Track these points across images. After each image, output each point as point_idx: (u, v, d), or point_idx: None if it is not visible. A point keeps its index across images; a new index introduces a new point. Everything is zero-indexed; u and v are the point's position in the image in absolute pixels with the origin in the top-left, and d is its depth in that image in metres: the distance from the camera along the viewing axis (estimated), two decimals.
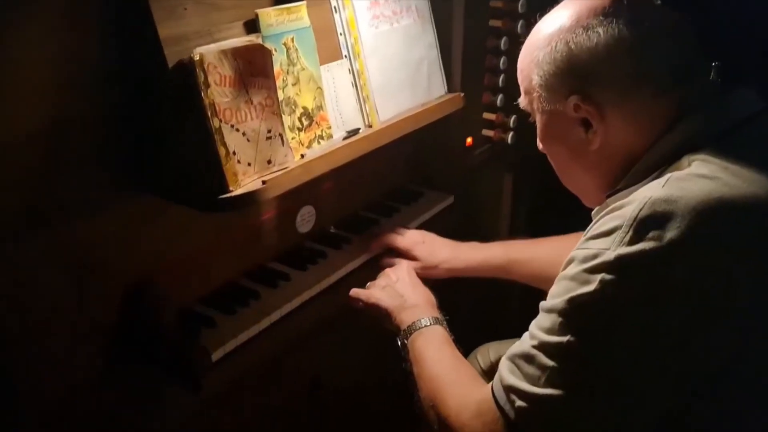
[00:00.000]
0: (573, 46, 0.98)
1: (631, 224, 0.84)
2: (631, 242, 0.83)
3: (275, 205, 1.44)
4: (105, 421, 1.18)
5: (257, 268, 1.44)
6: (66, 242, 1.10)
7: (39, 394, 1.11)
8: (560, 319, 0.88)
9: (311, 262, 1.46)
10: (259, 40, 1.20)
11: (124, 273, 1.19)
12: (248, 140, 1.17)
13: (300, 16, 1.27)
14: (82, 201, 1.11)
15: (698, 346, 0.84)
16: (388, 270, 1.41)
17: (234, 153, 1.15)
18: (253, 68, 1.17)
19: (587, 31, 0.96)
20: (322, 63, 1.33)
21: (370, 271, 1.47)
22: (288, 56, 1.26)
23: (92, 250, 1.14)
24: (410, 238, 1.52)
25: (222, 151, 1.13)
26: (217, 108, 1.12)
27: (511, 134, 1.88)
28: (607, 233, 0.86)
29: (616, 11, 0.96)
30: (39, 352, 1.09)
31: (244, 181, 1.16)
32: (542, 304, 0.93)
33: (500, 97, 1.84)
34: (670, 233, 0.82)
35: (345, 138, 1.36)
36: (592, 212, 1.06)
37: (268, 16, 1.22)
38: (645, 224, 0.83)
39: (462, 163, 1.94)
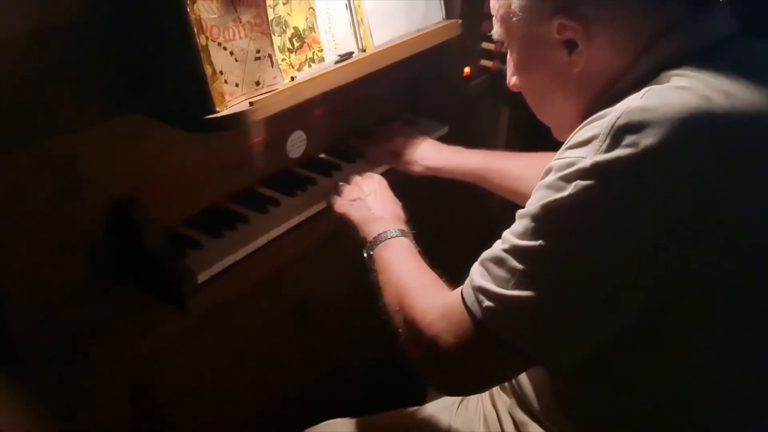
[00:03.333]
0: None
1: (608, 132, 0.83)
2: (608, 150, 0.82)
3: (265, 129, 1.42)
4: (90, 334, 1.18)
5: (246, 192, 1.43)
6: (50, 154, 1.08)
7: (25, 303, 1.11)
8: (532, 224, 0.88)
9: (301, 188, 1.45)
10: None
11: (109, 189, 1.18)
12: (236, 60, 1.14)
13: None
14: (67, 113, 1.09)
15: (670, 256, 0.84)
16: (358, 179, 1.42)
17: (221, 72, 1.12)
18: None
19: None
20: None
21: None
22: None
23: (77, 163, 1.12)
24: (397, 136, 1.56)
25: (209, 70, 1.10)
26: (204, 24, 1.09)
27: None
28: (584, 143, 0.86)
29: None
30: (24, 263, 1.09)
31: (232, 102, 1.14)
32: (518, 211, 0.93)
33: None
34: (646, 140, 0.80)
35: (337, 62, 1.33)
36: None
37: None
38: (621, 132, 0.82)
39: (458, 93, 1.91)
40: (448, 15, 1.61)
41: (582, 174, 0.84)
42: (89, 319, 1.18)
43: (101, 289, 1.20)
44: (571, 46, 0.97)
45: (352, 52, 1.36)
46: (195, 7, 1.07)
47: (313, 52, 1.30)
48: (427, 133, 1.72)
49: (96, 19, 1.08)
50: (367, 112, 1.70)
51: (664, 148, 0.80)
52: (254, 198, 1.42)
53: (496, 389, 1.28)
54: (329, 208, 1.39)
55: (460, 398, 1.35)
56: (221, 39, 1.12)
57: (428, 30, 1.49)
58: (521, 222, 0.91)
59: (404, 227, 1.27)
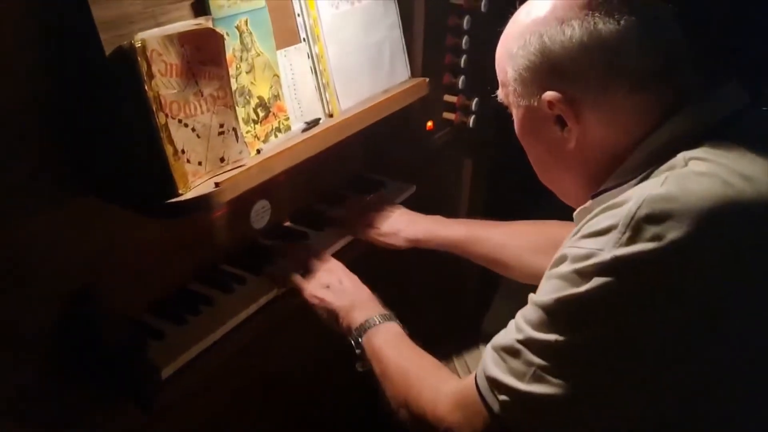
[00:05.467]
0: (547, 40, 0.91)
1: (628, 223, 0.79)
2: (629, 242, 0.78)
3: (228, 202, 1.32)
4: None
5: (209, 270, 1.33)
6: None
7: None
8: (548, 318, 0.84)
9: (268, 263, 1.36)
10: (210, 24, 1.07)
11: (62, 279, 1.07)
12: (198, 136, 1.06)
13: None
14: (15, 200, 0.99)
15: (696, 353, 0.80)
16: (319, 263, 1.34)
17: (183, 151, 1.03)
18: (203, 55, 1.05)
19: (562, 24, 0.90)
20: (278, 47, 1.21)
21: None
22: (241, 41, 1.14)
23: (27, 253, 1.02)
24: (370, 209, 1.51)
25: (169, 150, 1.01)
26: (163, 101, 1.00)
27: (473, 117, 1.80)
28: (601, 232, 0.82)
29: (593, 3, 0.89)
30: None
31: (195, 183, 1.05)
32: (531, 296, 0.90)
33: (462, 78, 1.75)
34: (671, 233, 0.77)
35: (304, 130, 1.25)
36: (574, 213, 1.00)
37: None
38: (643, 223, 0.78)
39: (422, 148, 1.86)
40: (413, 71, 1.56)
41: (601, 268, 0.79)
42: (43, 420, 1.06)
43: (56, 387, 1.08)
44: (562, 122, 0.94)
45: (319, 119, 1.29)
46: (153, 83, 0.98)
47: (279, 122, 1.22)
48: (394, 194, 1.66)
49: (45, 96, 0.99)
50: (332, 173, 1.63)
51: (690, 240, 0.76)
52: (218, 276, 1.32)
53: None
54: (301, 292, 1.30)
55: None
56: (182, 115, 1.03)
57: (396, 91, 1.43)
58: (535, 312, 0.86)
59: (387, 311, 1.22)
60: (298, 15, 1.26)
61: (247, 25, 1.14)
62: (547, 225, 1.39)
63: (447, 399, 0.96)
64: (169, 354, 1.13)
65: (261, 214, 1.43)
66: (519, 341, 0.87)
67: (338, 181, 1.64)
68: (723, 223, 0.78)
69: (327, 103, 1.32)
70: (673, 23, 0.93)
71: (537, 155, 1.04)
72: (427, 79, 1.55)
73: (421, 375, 1.04)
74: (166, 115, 1.00)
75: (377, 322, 1.18)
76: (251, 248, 1.41)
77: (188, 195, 1.01)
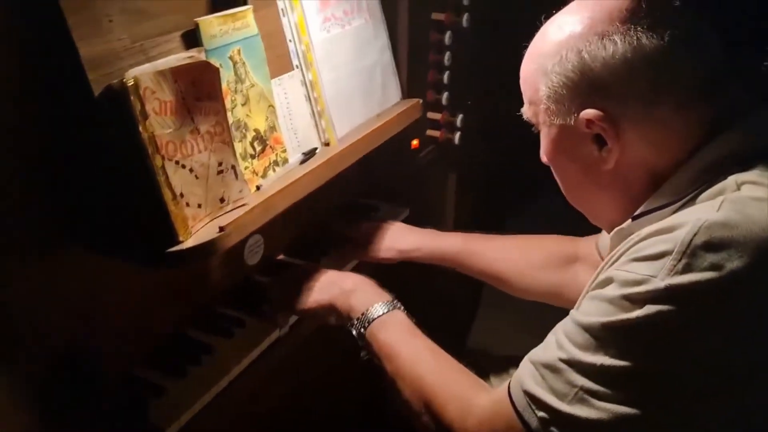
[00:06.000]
0: (586, 56, 0.86)
1: (684, 250, 0.75)
2: (684, 270, 0.75)
3: None
4: None
5: (206, 315, 1.24)
6: None
7: None
8: (594, 340, 0.81)
9: (265, 301, 1.28)
10: (202, 56, 1.00)
11: (50, 337, 0.98)
12: (197, 177, 0.98)
13: (247, 23, 1.08)
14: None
15: (752, 387, 0.77)
16: (309, 277, 1.26)
17: (181, 195, 0.95)
18: (198, 90, 0.97)
19: (602, 39, 0.85)
20: (271, 76, 1.14)
21: None
22: (235, 72, 1.06)
23: (13, 310, 0.93)
24: (365, 227, 1.46)
25: (167, 195, 0.93)
26: (159, 142, 0.92)
27: (458, 134, 1.76)
28: (654, 257, 0.78)
29: (635, 17, 0.85)
30: None
31: (196, 227, 0.97)
32: (573, 314, 0.86)
33: (445, 95, 1.71)
34: (731, 263, 0.73)
35: (302, 161, 1.18)
36: (611, 234, 0.96)
37: (211, 25, 1.02)
38: (701, 251, 0.74)
39: (409, 168, 1.81)
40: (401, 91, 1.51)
41: (654, 296, 0.76)
42: None
43: None
44: (600, 141, 0.89)
45: (316, 148, 1.22)
46: (147, 123, 0.90)
47: (277, 154, 1.15)
48: (389, 217, 1.60)
49: (30, 142, 0.91)
50: (324, 201, 1.55)
51: (751, 271, 0.73)
52: (216, 320, 1.23)
53: None
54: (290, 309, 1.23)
55: None
56: (179, 156, 0.95)
57: (392, 115, 1.38)
58: (581, 333, 0.83)
59: (389, 296, 1.15)
60: (290, 41, 1.19)
61: (240, 54, 1.07)
62: (545, 240, 1.36)
63: (479, 412, 0.92)
64: (172, 412, 1.04)
65: (254, 249, 1.35)
66: (562, 360, 0.83)
67: (331, 209, 1.57)
68: None
69: (323, 131, 1.25)
70: (714, 39, 0.89)
71: (569, 176, 0.99)
72: (420, 100, 1.50)
73: (443, 382, 0.99)
74: (163, 157, 0.93)
75: (381, 312, 1.10)
76: (247, 287, 1.33)
77: (190, 242, 0.94)
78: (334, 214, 1.58)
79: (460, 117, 1.72)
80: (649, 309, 0.76)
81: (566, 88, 0.89)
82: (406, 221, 1.62)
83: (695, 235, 0.75)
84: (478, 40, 1.79)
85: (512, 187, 2.85)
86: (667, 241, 0.77)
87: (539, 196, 2.78)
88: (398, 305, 1.14)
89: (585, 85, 0.87)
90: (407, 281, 1.59)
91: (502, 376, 1.38)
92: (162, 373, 1.11)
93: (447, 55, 1.65)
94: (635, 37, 0.84)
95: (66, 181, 0.94)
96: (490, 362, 2.05)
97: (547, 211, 2.73)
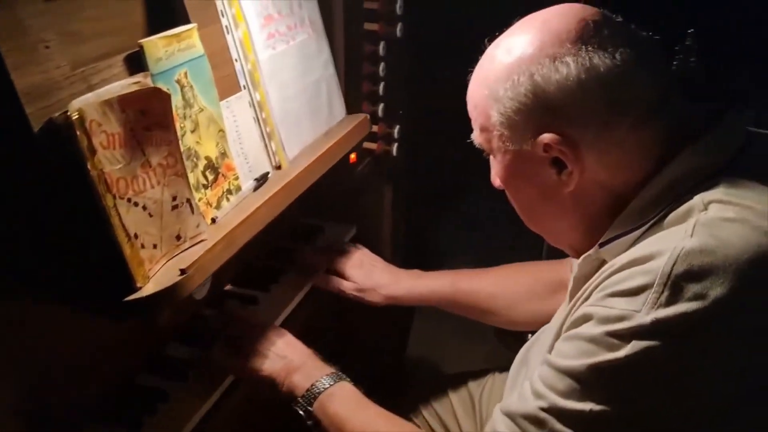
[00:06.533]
0: (539, 79, 0.83)
1: (665, 282, 0.73)
2: (668, 303, 0.73)
3: None
4: None
5: (157, 358, 1.15)
6: None
7: None
8: (579, 385, 0.77)
9: (216, 337, 1.19)
10: (149, 81, 0.91)
11: None
12: (150, 215, 0.89)
13: (192, 42, 1.00)
14: None
15: (741, 416, 0.76)
16: (254, 337, 1.18)
17: (135, 236, 0.86)
18: (148, 119, 0.89)
19: (554, 61, 0.83)
20: (219, 98, 1.06)
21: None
22: (183, 96, 0.98)
23: None
24: (347, 260, 1.39)
25: (122, 237, 0.84)
26: (109, 179, 0.83)
27: (395, 146, 1.72)
28: (634, 292, 0.75)
29: (585, 37, 0.83)
30: None
31: (153, 270, 0.89)
32: (549, 358, 0.82)
33: (381, 106, 1.66)
34: (714, 291, 0.72)
35: (256, 187, 1.11)
36: (579, 260, 0.94)
37: (156, 47, 0.93)
38: (682, 281, 0.73)
39: (349, 182, 1.76)
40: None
41: (640, 332, 0.74)
42: None
43: None
44: (559, 164, 0.87)
45: (268, 173, 1.15)
46: (96, 159, 0.81)
47: (229, 182, 1.07)
48: (336, 237, 1.55)
49: None
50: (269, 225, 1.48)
51: (735, 297, 0.72)
52: (168, 363, 1.14)
53: None
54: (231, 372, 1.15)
55: None
56: (131, 193, 0.86)
57: (343, 134, 1.32)
58: (562, 379, 0.78)
59: (332, 368, 1.11)
60: (236, 60, 1.12)
61: (187, 77, 0.99)
62: (530, 270, 1.33)
63: None
64: None
65: (202, 282, 1.26)
66: (542, 409, 0.80)
67: (276, 232, 1.49)
68: (765, 273, 0.74)
69: (273, 154, 1.18)
70: (663, 55, 0.89)
71: (527, 201, 0.96)
72: (367, 116, 1.45)
73: None
74: (114, 196, 0.84)
75: (327, 385, 1.06)
76: (196, 323, 1.24)
77: (149, 288, 0.85)
78: (279, 237, 1.50)
79: (397, 128, 1.68)
80: (637, 345, 0.73)
81: (520, 113, 0.86)
82: (353, 238, 1.57)
83: (674, 264, 0.73)
84: (412, 50, 1.77)
85: (442, 193, 2.88)
86: (645, 272, 0.75)
87: (466, 201, 2.82)
88: (344, 376, 1.10)
89: (540, 109, 0.84)
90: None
91: (442, 399, 1.37)
92: (116, 427, 1.01)
93: (381, 66, 1.61)
94: (587, 58, 0.82)
95: (9, 227, 0.83)
96: (430, 376, 2.05)
97: (474, 214, 2.78)
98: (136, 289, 0.84)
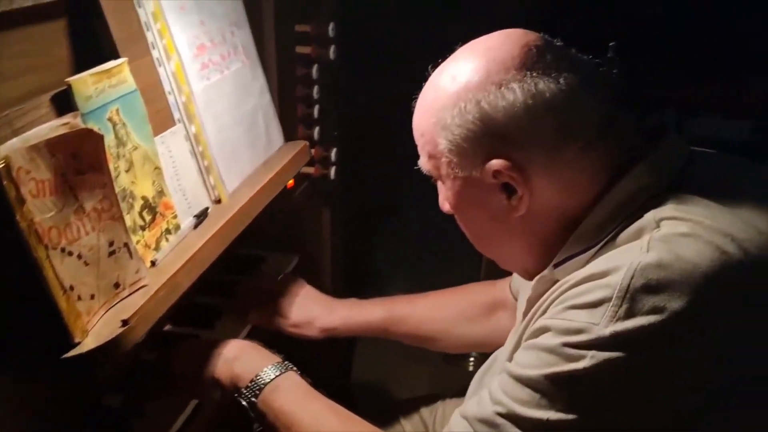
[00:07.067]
0: (486, 106, 0.84)
1: (624, 295, 0.74)
2: (627, 316, 0.74)
3: None
4: None
5: (95, 408, 1.07)
6: None
7: None
8: (538, 395, 0.78)
9: (161, 381, 1.14)
10: (79, 121, 0.86)
11: None
12: (86, 264, 0.84)
13: (123, 78, 0.95)
14: None
15: (714, 424, 0.78)
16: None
17: (71, 288, 0.81)
18: (80, 163, 0.84)
19: (500, 88, 0.83)
20: (153, 134, 1.01)
21: None
22: (116, 135, 0.93)
23: None
24: (281, 295, 1.33)
25: (56, 290, 0.79)
26: (40, 230, 0.78)
27: (333, 169, 1.70)
28: (593, 304, 0.76)
29: (529, 63, 0.84)
30: None
31: (92, 322, 0.83)
32: (508, 367, 0.83)
33: (317, 129, 1.64)
34: (672, 304, 0.73)
35: (196, 225, 1.06)
36: (533, 282, 0.94)
37: (85, 84, 0.88)
38: (641, 295, 0.74)
39: (286, 208, 1.72)
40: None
41: (600, 344, 0.75)
42: None
43: None
44: (509, 189, 0.87)
45: (207, 208, 1.11)
46: (25, 209, 0.76)
47: (168, 221, 1.02)
48: (278, 268, 1.51)
49: None
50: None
51: (692, 310, 0.74)
52: (106, 415, 1.07)
53: None
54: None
55: None
56: (64, 242, 0.81)
57: (283, 164, 1.28)
58: (521, 388, 0.80)
59: (278, 358, 1.06)
60: (169, 93, 1.07)
61: (119, 114, 0.94)
62: (465, 293, 1.33)
63: None
64: None
65: None
66: (499, 414, 0.81)
67: (215, 265, 1.44)
68: (720, 287, 0.76)
69: (212, 187, 1.14)
70: (603, 77, 0.90)
71: (477, 226, 0.96)
72: (307, 143, 1.42)
73: None
74: (46, 247, 0.78)
75: (273, 376, 1.01)
76: (135, 367, 1.18)
77: (89, 342, 0.80)
78: (217, 269, 1.45)
79: (334, 151, 1.66)
80: (597, 358, 0.75)
81: (468, 140, 0.86)
82: (300, 272, 1.54)
83: (632, 278, 0.74)
84: (346, 72, 1.75)
85: (381, 213, 2.87)
86: (603, 286, 0.76)
87: (404, 220, 2.83)
88: (290, 366, 1.05)
89: (488, 136, 0.85)
90: None
91: (394, 426, 1.35)
92: None
93: (315, 88, 1.59)
94: (532, 84, 0.83)
95: None
96: (378, 403, 2.03)
97: (413, 232, 2.78)
98: (74, 345, 0.79)
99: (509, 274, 1.23)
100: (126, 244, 0.90)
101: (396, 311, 1.31)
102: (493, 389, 0.84)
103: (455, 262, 2.16)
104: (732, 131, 2.49)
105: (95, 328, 0.83)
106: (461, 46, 0.92)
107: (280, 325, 1.30)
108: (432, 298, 1.33)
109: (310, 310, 1.32)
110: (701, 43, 2.29)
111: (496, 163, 0.85)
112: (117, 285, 0.88)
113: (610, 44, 2.02)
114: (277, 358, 1.06)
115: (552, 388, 0.77)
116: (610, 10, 2.38)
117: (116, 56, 0.96)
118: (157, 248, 0.99)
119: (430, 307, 1.30)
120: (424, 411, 1.37)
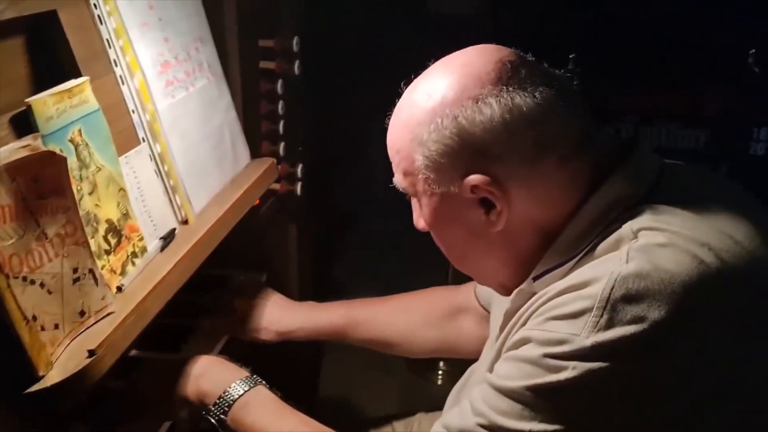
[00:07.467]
0: (464, 122, 0.83)
1: (604, 306, 0.74)
2: (608, 326, 0.74)
3: None
4: None
5: None
6: None
7: None
8: (520, 406, 0.78)
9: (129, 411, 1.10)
10: (39, 143, 0.82)
11: None
12: (50, 292, 0.81)
13: (85, 97, 0.91)
14: None
15: (697, 427, 0.78)
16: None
17: (34, 318, 0.77)
18: (42, 187, 0.80)
19: (477, 102, 0.83)
20: (117, 154, 0.98)
21: None
22: (78, 156, 0.90)
23: None
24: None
25: (18, 321, 0.75)
26: (1, 258, 0.74)
27: (299, 185, 1.68)
28: (573, 315, 0.76)
29: (504, 78, 0.84)
30: None
31: (56, 354, 0.80)
32: (490, 378, 0.82)
33: (282, 145, 1.62)
34: (652, 313, 0.74)
35: (162, 247, 1.03)
36: (512, 296, 0.94)
37: (45, 105, 0.85)
38: (621, 305, 0.74)
39: (253, 226, 1.70)
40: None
41: (581, 354, 0.75)
42: None
43: None
44: (487, 204, 0.86)
45: (174, 229, 1.08)
46: None
47: (134, 244, 0.99)
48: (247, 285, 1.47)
49: None
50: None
51: (672, 319, 0.74)
52: None
53: None
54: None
55: None
56: (26, 270, 0.77)
57: (251, 182, 1.26)
58: (502, 399, 0.79)
59: (246, 372, 1.05)
60: (133, 111, 1.04)
61: (81, 135, 0.90)
62: (426, 297, 1.32)
63: None
64: None
65: None
66: (481, 425, 0.80)
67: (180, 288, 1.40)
68: (699, 295, 0.76)
69: (179, 208, 1.11)
70: (577, 91, 0.91)
71: (455, 242, 0.95)
72: (274, 160, 1.40)
73: None
74: (7, 276, 0.74)
75: (242, 391, 1.00)
76: (103, 396, 1.13)
77: (54, 375, 0.76)
78: (182, 290, 1.41)
79: (300, 167, 1.64)
80: (579, 368, 0.74)
81: (446, 156, 0.85)
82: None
83: (612, 289, 0.74)
84: (311, 87, 1.74)
85: (345, 226, 2.86)
86: (583, 297, 0.76)
87: (365, 229, 2.83)
88: (259, 380, 1.04)
89: (466, 151, 0.84)
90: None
91: None
92: None
93: (281, 104, 1.57)
94: (509, 98, 0.82)
95: None
96: (350, 418, 2.00)
97: (374, 243, 2.78)
98: (38, 379, 0.75)
99: None
100: (91, 270, 0.86)
101: (356, 315, 1.29)
102: (474, 400, 0.83)
103: (422, 273, 2.16)
104: (689, 140, 2.54)
105: (60, 359, 0.79)
106: (433, 62, 0.92)
107: (240, 331, 1.28)
108: (393, 302, 1.32)
109: (268, 313, 1.29)
110: (659, 52, 2.33)
111: (474, 179, 0.84)
112: (82, 313, 0.85)
113: (571, 56, 2.05)
114: (245, 372, 1.04)
115: (534, 399, 0.77)
116: (568, 21, 2.41)
117: (78, 74, 0.93)
118: (123, 273, 0.95)
119: (391, 311, 1.29)
120: (398, 425, 1.35)
